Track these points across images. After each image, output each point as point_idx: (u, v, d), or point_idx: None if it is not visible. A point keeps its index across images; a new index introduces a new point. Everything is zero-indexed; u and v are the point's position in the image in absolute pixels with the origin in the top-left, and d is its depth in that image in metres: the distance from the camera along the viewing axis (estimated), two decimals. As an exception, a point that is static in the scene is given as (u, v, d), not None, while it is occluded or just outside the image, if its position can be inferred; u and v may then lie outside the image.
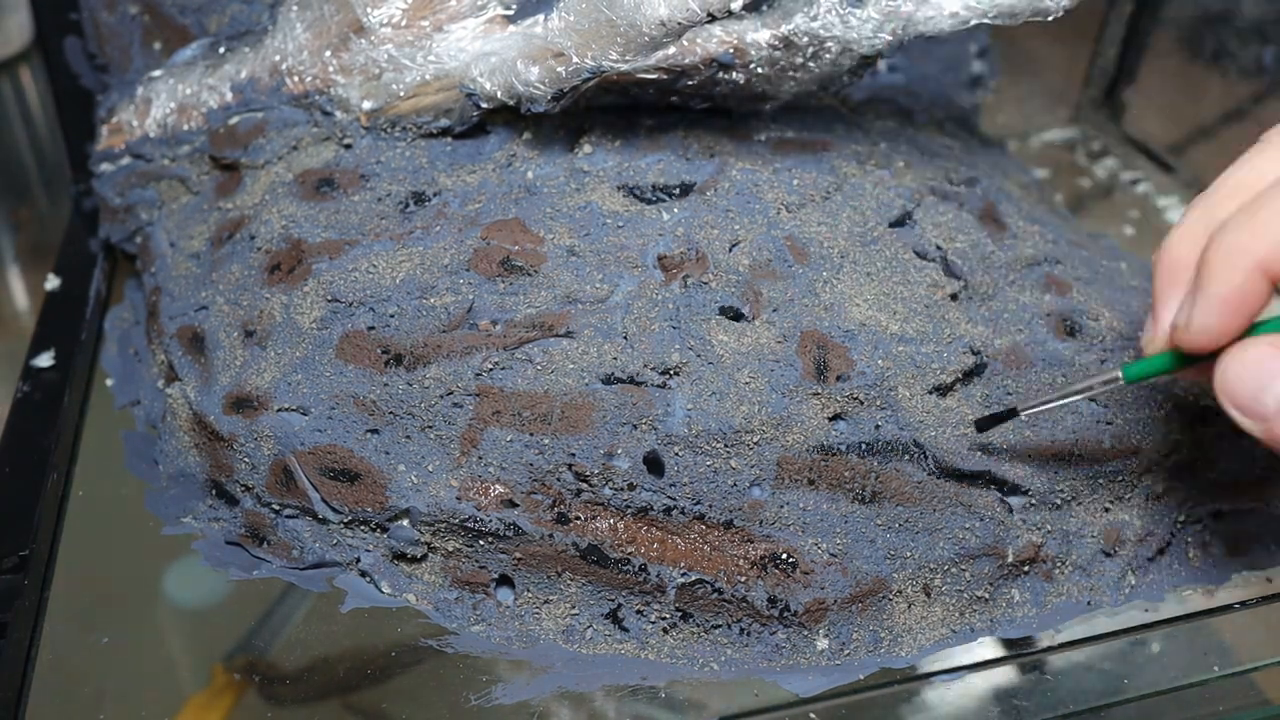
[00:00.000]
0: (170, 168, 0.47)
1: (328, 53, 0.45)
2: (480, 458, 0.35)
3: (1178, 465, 0.38)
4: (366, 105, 0.44)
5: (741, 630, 0.35)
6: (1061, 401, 0.34)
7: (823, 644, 0.35)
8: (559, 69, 0.40)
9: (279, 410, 0.37)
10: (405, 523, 0.36)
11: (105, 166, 0.48)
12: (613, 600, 0.35)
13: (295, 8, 0.45)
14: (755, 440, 0.35)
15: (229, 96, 0.46)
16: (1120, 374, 0.32)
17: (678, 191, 0.41)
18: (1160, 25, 0.65)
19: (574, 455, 0.35)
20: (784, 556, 0.35)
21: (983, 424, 0.36)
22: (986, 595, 0.36)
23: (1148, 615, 0.37)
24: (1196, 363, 0.30)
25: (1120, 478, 0.38)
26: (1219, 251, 0.27)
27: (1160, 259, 0.29)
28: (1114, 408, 0.38)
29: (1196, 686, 0.35)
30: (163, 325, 0.43)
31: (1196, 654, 0.35)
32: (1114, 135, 0.67)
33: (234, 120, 0.46)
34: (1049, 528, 0.37)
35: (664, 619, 0.35)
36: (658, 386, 0.35)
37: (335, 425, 0.37)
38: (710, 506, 0.35)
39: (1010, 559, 0.36)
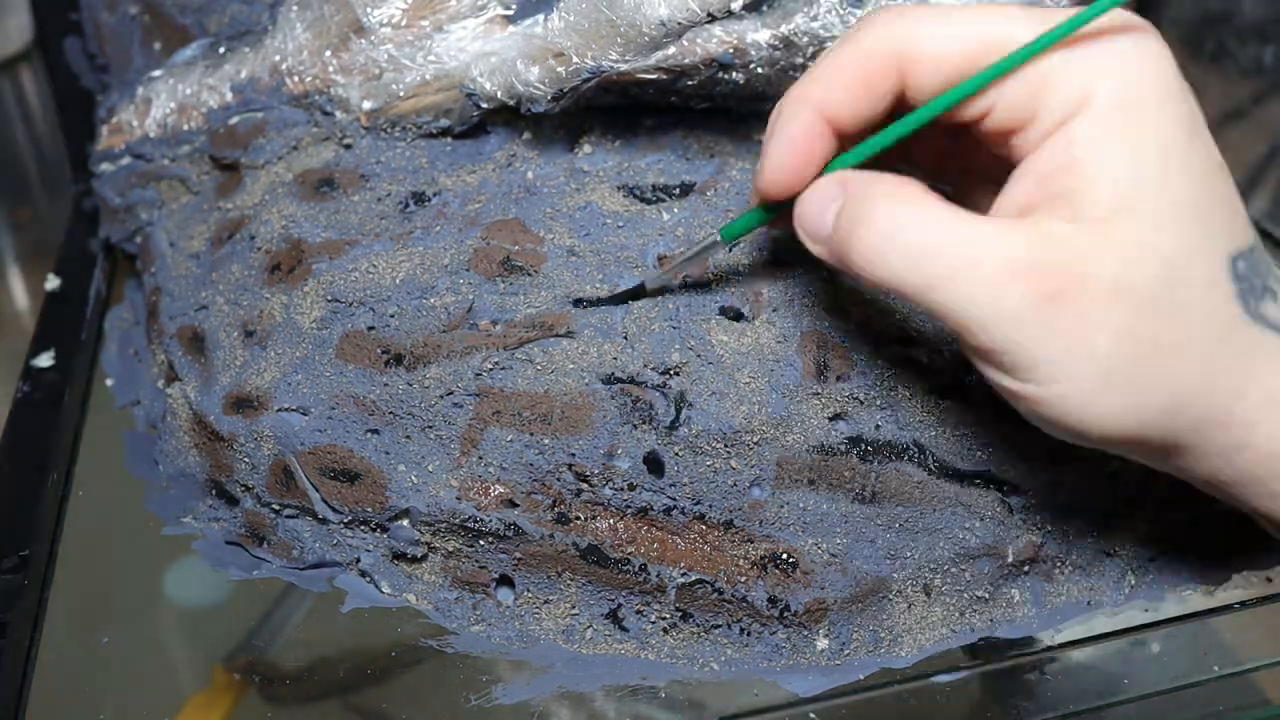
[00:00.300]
0: (170, 168, 0.47)
1: (328, 53, 0.45)
2: (480, 458, 0.35)
3: (1178, 465, 0.38)
4: (366, 105, 0.44)
5: (741, 630, 0.35)
6: (675, 269, 0.36)
7: (823, 644, 0.35)
8: (559, 69, 0.40)
9: (279, 410, 0.37)
10: (405, 523, 0.36)
11: (105, 166, 0.48)
12: (613, 600, 0.35)
13: (295, 8, 0.45)
14: (755, 440, 0.35)
15: (229, 96, 0.46)
16: (718, 235, 0.34)
17: (678, 191, 0.41)
18: (1160, 25, 0.65)
19: (574, 455, 0.35)
20: (784, 556, 0.35)
21: (616, 299, 0.37)
22: (986, 595, 0.36)
23: (1148, 615, 0.37)
24: (781, 211, 0.32)
25: (1120, 478, 0.38)
26: (787, 101, 0.30)
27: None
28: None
29: (1196, 686, 0.35)
30: (163, 325, 0.43)
31: (1196, 654, 0.35)
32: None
33: (234, 120, 0.46)
34: (1049, 528, 0.37)
35: (664, 619, 0.35)
36: (657, 387, 0.35)
37: (335, 425, 0.37)
38: (710, 506, 0.35)
39: (1010, 559, 0.36)
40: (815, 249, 0.30)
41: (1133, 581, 0.38)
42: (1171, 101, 0.28)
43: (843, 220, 0.29)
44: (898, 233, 0.28)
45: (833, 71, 0.29)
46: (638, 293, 0.37)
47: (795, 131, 0.30)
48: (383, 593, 0.37)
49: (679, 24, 0.37)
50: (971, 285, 0.27)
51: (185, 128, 0.46)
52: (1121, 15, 0.28)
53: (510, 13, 0.43)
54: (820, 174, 0.31)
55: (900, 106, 0.30)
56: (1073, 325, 0.27)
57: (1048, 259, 0.27)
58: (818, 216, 0.30)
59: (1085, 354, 0.27)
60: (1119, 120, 0.27)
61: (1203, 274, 0.28)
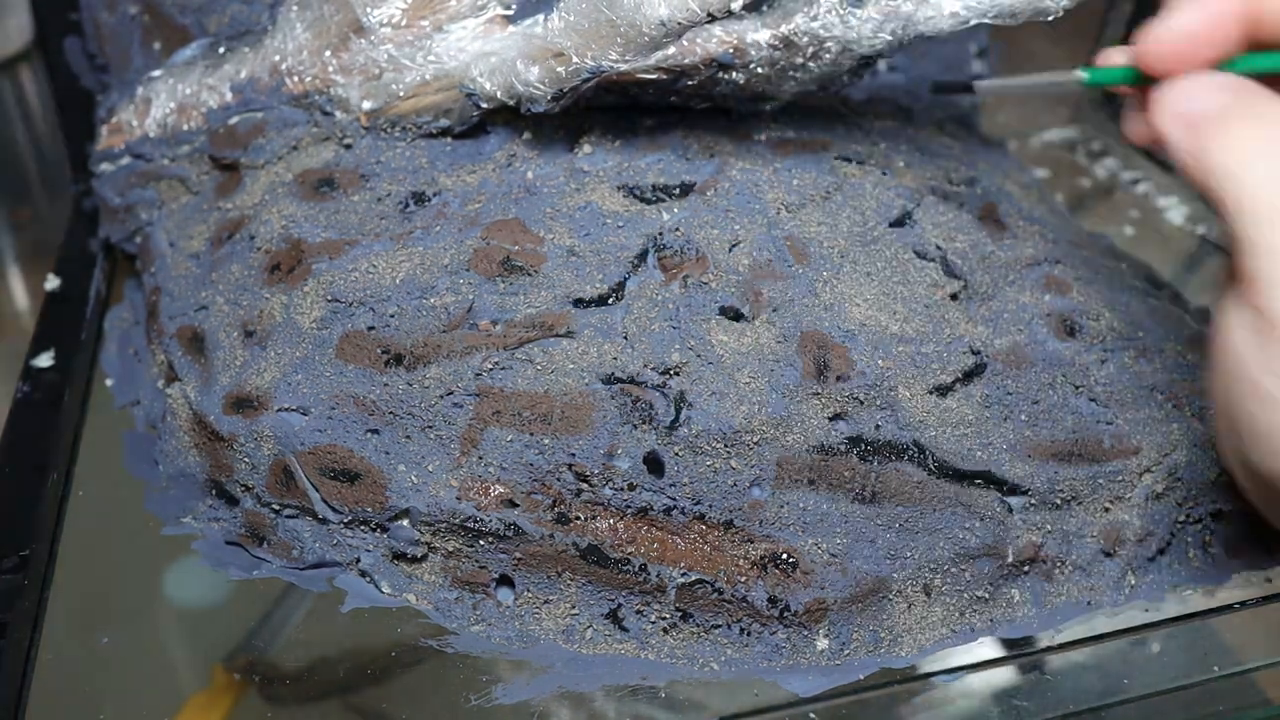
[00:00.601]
0: (170, 168, 0.47)
1: (327, 53, 0.45)
2: (480, 458, 0.35)
3: (1177, 465, 0.38)
4: (366, 105, 0.44)
5: (741, 630, 0.35)
6: (1020, 83, 0.38)
7: (823, 644, 0.35)
8: (559, 69, 0.40)
9: (279, 410, 0.37)
10: (405, 523, 0.36)
11: (105, 166, 0.48)
12: (613, 600, 0.35)
13: (295, 8, 0.45)
14: (755, 440, 0.35)
15: (229, 96, 0.46)
16: (1083, 73, 0.35)
17: (678, 191, 0.41)
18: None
19: (574, 455, 0.35)
20: (784, 556, 0.35)
21: (937, 87, 0.39)
22: (986, 595, 0.36)
23: (1148, 615, 0.37)
24: (1153, 82, 0.31)
25: (1120, 478, 0.38)
26: None
27: None
28: (1114, 408, 0.38)
29: (1196, 686, 0.35)
30: (163, 325, 0.43)
31: (1196, 654, 0.35)
32: (1114, 135, 0.66)
33: (234, 120, 0.46)
34: (1049, 528, 0.37)
35: (664, 619, 0.35)
36: (657, 387, 0.35)
37: (335, 425, 0.37)
38: (710, 506, 0.35)
39: (1010, 559, 0.36)
40: (1166, 123, 0.30)
41: (1133, 581, 0.38)
42: None
43: (1234, 105, 0.28)
44: (1272, 148, 0.27)
45: None
46: (966, 86, 0.39)
47: (1215, 6, 0.29)
48: (383, 593, 0.37)
49: (679, 24, 0.37)
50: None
51: (185, 128, 0.46)
52: None
53: (510, 13, 0.43)
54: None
55: None
56: None
57: None
58: (1202, 94, 0.29)
59: None
60: None
61: None
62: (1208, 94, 0.29)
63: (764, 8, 0.40)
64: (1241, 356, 0.28)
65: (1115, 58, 0.33)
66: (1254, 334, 0.27)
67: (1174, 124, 0.29)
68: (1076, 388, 0.38)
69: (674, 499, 0.35)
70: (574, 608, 0.36)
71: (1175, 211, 0.60)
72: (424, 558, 0.37)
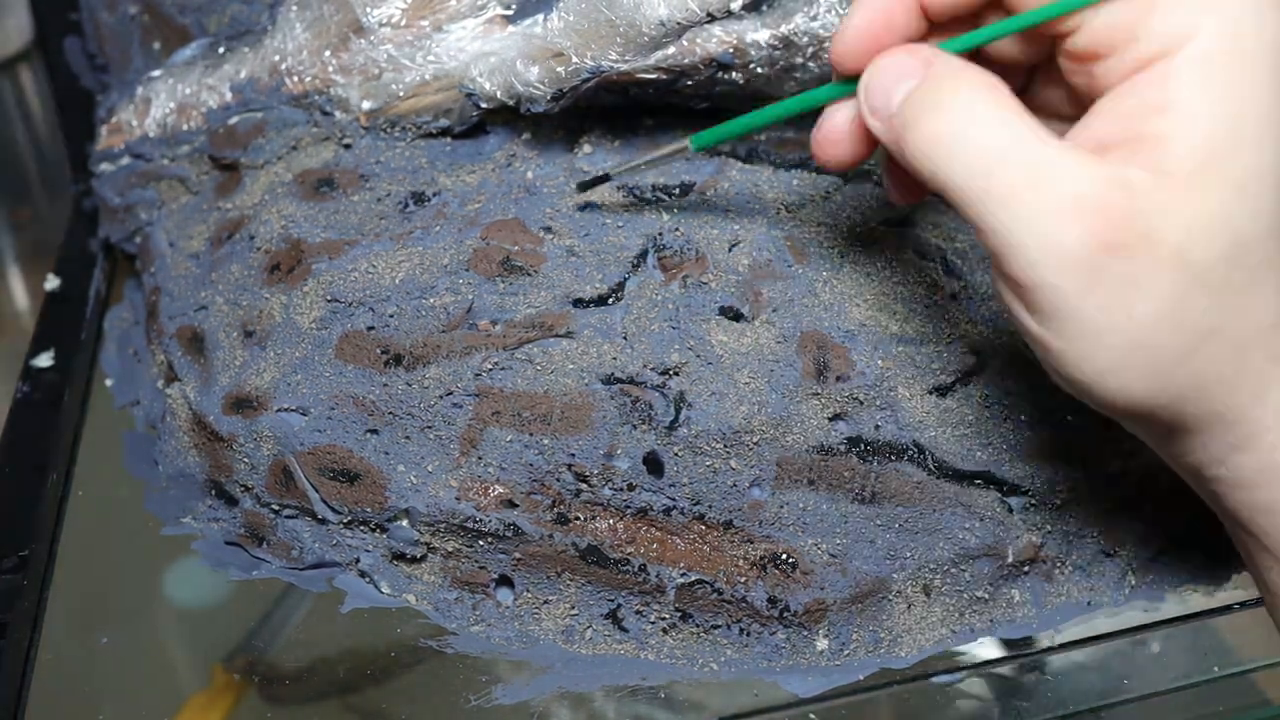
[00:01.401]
0: (170, 168, 0.47)
1: (327, 53, 0.44)
2: (480, 458, 0.35)
3: (1178, 465, 0.38)
4: (366, 105, 0.44)
5: (741, 630, 0.35)
6: (643, 163, 0.38)
7: (822, 644, 0.35)
8: (558, 69, 0.40)
9: (278, 410, 0.37)
10: (405, 523, 0.36)
11: (105, 166, 0.48)
12: (612, 600, 0.35)
13: (295, 8, 0.45)
14: (755, 440, 0.35)
15: (228, 96, 0.46)
16: (689, 142, 0.36)
17: (678, 191, 0.41)
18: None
19: (574, 455, 0.35)
20: (784, 557, 0.35)
21: (582, 186, 0.40)
22: (986, 595, 0.36)
23: (1148, 615, 0.37)
24: (845, 94, 0.29)
25: (1120, 478, 0.38)
26: None
27: None
28: (1114, 408, 0.38)
29: (1196, 686, 0.35)
30: (162, 325, 0.43)
31: (1196, 654, 0.35)
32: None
33: (233, 120, 0.46)
34: (1049, 528, 0.37)
35: (664, 619, 0.35)
36: (657, 387, 0.35)
37: (335, 425, 0.37)
38: (710, 507, 0.35)
39: (1010, 559, 0.36)
40: (873, 123, 0.28)
41: (1133, 581, 0.38)
42: (1276, 58, 0.25)
43: (914, 99, 0.26)
44: (969, 128, 0.25)
45: None
46: (602, 179, 0.39)
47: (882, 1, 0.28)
48: (382, 593, 0.37)
49: (678, 24, 0.37)
50: (1030, 210, 0.24)
51: (185, 128, 0.46)
52: None
53: (510, 13, 0.43)
54: None
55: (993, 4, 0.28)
56: (1120, 284, 0.24)
57: (1119, 207, 0.24)
58: (888, 88, 0.27)
59: (1122, 317, 0.25)
60: (1225, 67, 0.24)
61: (1265, 259, 0.25)
62: (893, 84, 0.27)
63: (764, 8, 0.40)
64: (1012, 313, 0.27)
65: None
66: (1010, 297, 0.26)
67: (876, 122, 0.28)
68: (1076, 388, 0.38)
69: (673, 499, 0.35)
70: (574, 608, 0.36)
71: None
72: (423, 558, 0.37)
